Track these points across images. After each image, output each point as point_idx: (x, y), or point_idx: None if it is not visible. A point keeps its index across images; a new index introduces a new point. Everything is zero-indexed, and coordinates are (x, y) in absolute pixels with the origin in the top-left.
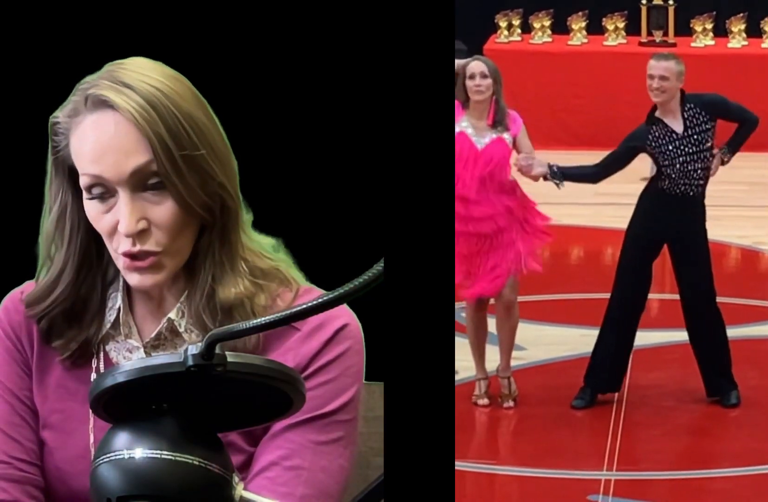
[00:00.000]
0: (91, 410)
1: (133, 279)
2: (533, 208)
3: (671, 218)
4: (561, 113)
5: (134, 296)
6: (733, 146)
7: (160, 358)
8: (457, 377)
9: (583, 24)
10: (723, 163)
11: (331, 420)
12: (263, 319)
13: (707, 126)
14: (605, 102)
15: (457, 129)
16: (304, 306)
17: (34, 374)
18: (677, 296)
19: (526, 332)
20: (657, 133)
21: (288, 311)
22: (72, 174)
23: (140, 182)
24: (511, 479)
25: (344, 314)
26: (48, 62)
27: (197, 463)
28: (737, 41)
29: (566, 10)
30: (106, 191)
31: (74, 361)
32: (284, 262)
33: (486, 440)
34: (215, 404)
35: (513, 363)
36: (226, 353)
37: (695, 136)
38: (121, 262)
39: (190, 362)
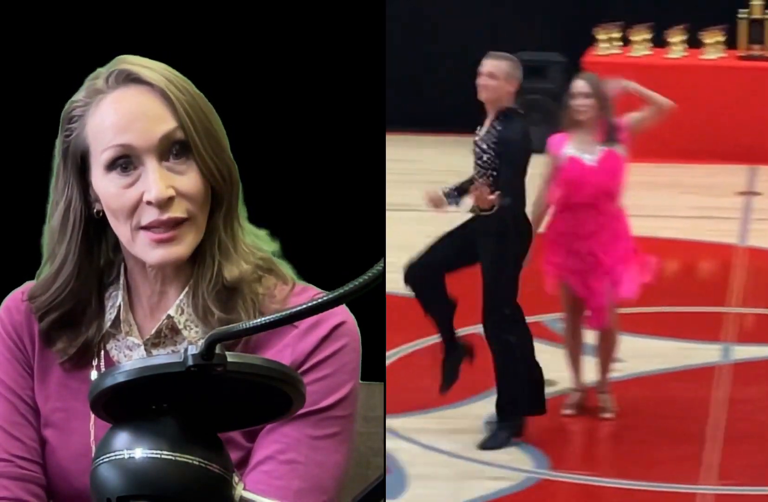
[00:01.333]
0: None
1: (156, 254)
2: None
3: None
4: (658, 126)
5: (134, 294)
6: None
7: (160, 358)
8: (555, 388)
9: (682, 37)
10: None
11: (326, 415)
12: (263, 319)
13: (490, 152)
14: (703, 115)
15: (565, 155)
16: (304, 306)
17: (36, 373)
18: None
19: (624, 343)
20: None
21: (288, 311)
22: (82, 163)
23: (166, 150)
24: (610, 490)
25: (341, 312)
26: (47, 67)
27: (197, 463)
28: None
29: (665, 24)
30: (130, 164)
31: (74, 363)
32: (277, 259)
33: (584, 451)
34: (215, 404)
35: (610, 375)
36: (226, 353)
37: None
38: (141, 239)
39: (190, 362)
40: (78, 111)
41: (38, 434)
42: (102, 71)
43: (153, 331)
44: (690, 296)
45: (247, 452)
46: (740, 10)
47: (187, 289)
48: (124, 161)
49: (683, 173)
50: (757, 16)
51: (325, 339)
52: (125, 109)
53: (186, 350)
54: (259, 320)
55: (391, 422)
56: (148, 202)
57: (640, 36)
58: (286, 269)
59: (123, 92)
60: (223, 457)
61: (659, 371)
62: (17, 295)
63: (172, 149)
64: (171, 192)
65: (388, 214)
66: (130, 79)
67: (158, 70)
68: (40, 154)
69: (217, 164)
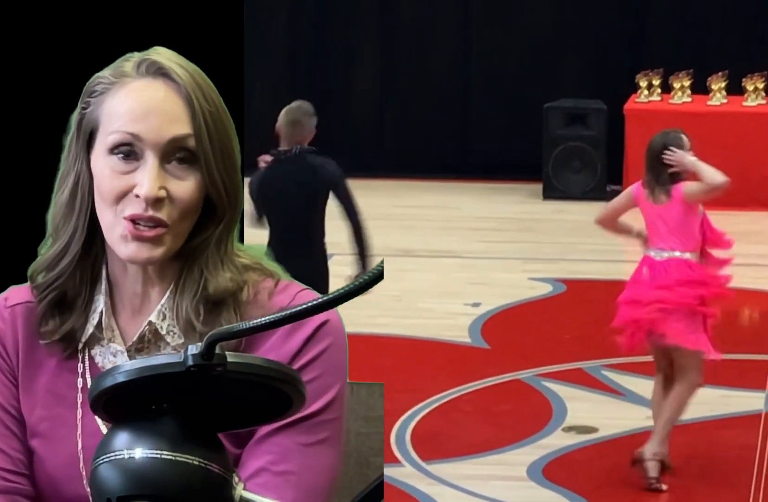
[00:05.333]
0: (79, 415)
1: (130, 249)
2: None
3: None
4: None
5: (117, 297)
6: (361, 249)
7: (160, 358)
8: (595, 435)
9: (723, 84)
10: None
11: (317, 420)
12: (263, 319)
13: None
14: (744, 163)
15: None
16: (305, 306)
17: (21, 383)
18: None
19: None
20: None
21: (287, 311)
22: (90, 139)
23: (171, 152)
24: None
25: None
26: (48, 66)
27: (197, 463)
28: None
29: (706, 71)
30: (132, 153)
31: (59, 362)
32: (265, 260)
33: (626, 498)
34: (215, 404)
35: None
36: (226, 353)
37: None
38: (120, 229)
39: (190, 362)
40: (100, 87)
41: (24, 445)
42: (135, 55)
43: (136, 336)
44: (732, 343)
45: (235, 458)
46: None
47: (168, 294)
48: (128, 149)
49: (725, 220)
50: None
51: (308, 340)
52: (145, 100)
53: (186, 349)
54: (259, 319)
55: (436, 468)
56: (137, 196)
57: (681, 82)
58: (273, 266)
59: (149, 83)
60: (223, 457)
61: (702, 419)
62: (0, 301)
63: (176, 154)
64: (162, 193)
65: (432, 260)
66: (161, 72)
67: (190, 72)
68: (41, 153)
69: (225, 181)
